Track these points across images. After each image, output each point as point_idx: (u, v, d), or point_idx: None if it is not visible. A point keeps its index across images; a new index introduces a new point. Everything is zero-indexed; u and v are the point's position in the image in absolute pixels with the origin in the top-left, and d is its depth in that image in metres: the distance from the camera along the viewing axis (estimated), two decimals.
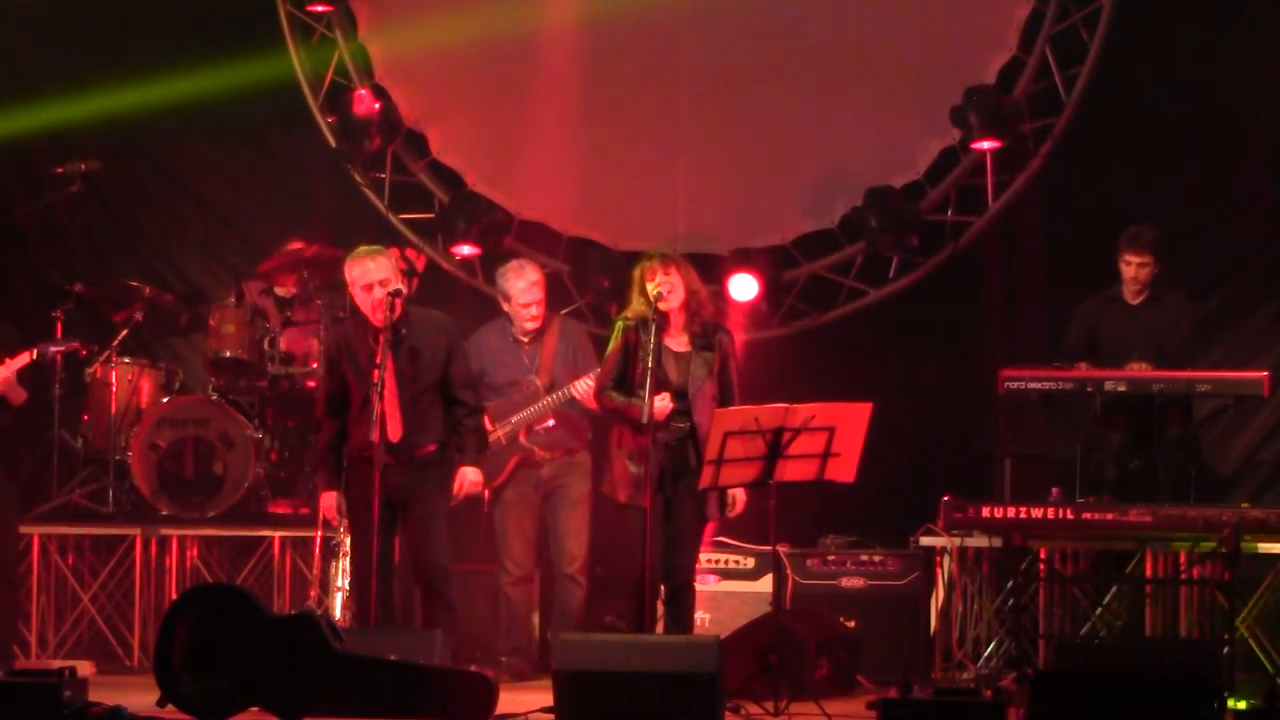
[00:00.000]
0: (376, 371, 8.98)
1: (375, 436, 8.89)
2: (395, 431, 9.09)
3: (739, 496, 9.30)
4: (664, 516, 9.12)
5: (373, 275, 9.14)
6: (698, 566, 9.67)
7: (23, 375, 10.25)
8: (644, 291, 9.17)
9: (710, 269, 11.50)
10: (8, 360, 10.07)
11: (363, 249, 9.35)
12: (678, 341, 9.26)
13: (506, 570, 10.29)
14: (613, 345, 9.30)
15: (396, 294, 9.10)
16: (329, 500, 9.31)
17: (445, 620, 9.12)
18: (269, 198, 11.98)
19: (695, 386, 9.19)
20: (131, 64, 11.75)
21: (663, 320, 9.18)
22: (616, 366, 9.24)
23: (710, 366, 9.23)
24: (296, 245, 11.32)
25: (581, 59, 11.75)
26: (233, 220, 12.14)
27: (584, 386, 9.98)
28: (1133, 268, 10.24)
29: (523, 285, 10.21)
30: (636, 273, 9.28)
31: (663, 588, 9.36)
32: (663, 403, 9.04)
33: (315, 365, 10.94)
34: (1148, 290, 10.28)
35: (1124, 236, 10.26)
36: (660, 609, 9.49)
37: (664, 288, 9.13)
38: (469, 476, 9.35)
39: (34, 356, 10.16)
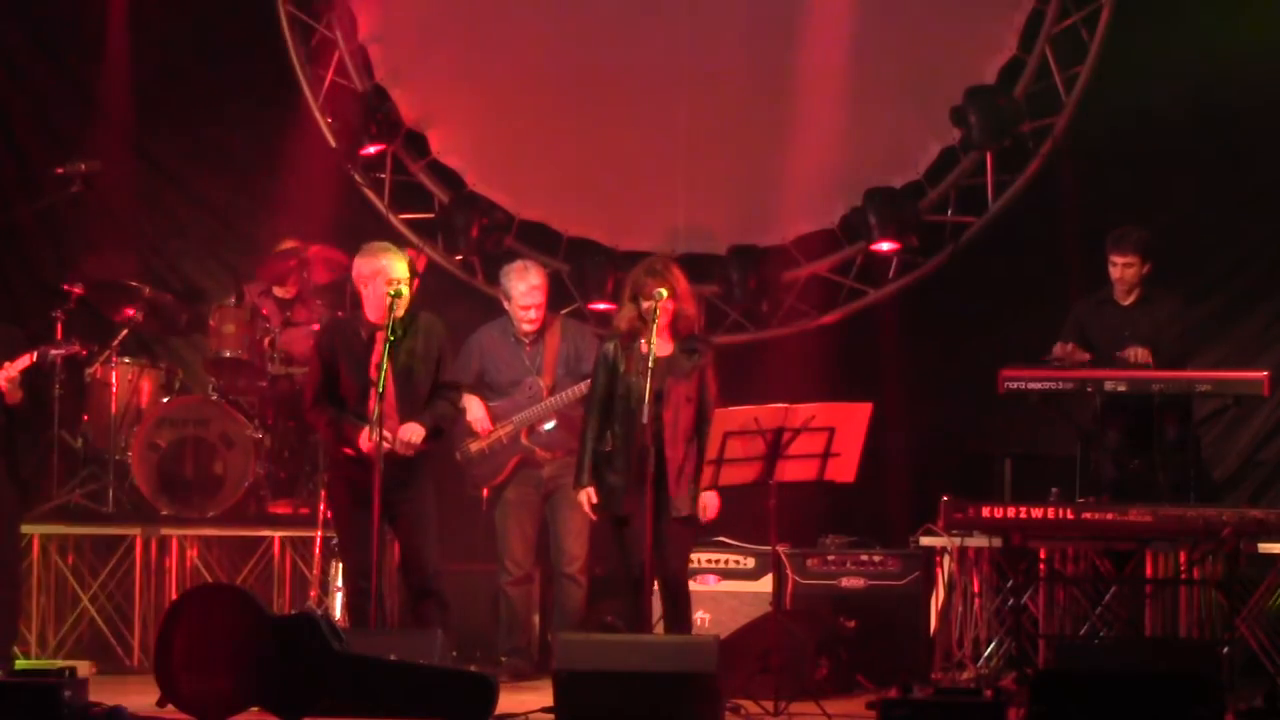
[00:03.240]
0: (374, 371, 9.00)
1: (373, 437, 8.93)
2: (392, 429, 9.12)
3: (710, 502, 9.20)
4: (654, 517, 9.10)
5: (391, 272, 9.16)
6: (698, 566, 9.66)
7: (23, 377, 10.23)
8: (637, 303, 9.17)
9: (710, 269, 11.52)
10: (7, 364, 10.05)
11: (379, 244, 9.41)
12: (659, 345, 9.24)
13: (506, 570, 10.28)
14: (595, 373, 9.33)
15: (397, 295, 9.12)
16: (365, 434, 9.08)
17: (440, 619, 9.13)
18: (269, 198, 11.97)
19: (671, 385, 9.15)
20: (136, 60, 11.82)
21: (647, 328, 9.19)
22: (601, 390, 9.24)
23: (687, 370, 9.21)
24: (291, 244, 11.33)
25: (582, 59, 11.75)
26: (233, 220, 12.13)
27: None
28: (1118, 269, 10.22)
29: (524, 287, 10.21)
30: (631, 284, 9.26)
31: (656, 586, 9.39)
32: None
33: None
34: (1138, 290, 10.26)
35: (1109, 238, 10.26)
36: (658, 609, 9.50)
37: (660, 307, 9.11)
38: (409, 428, 9.14)
39: (34, 359, 10.15)
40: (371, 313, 9.21)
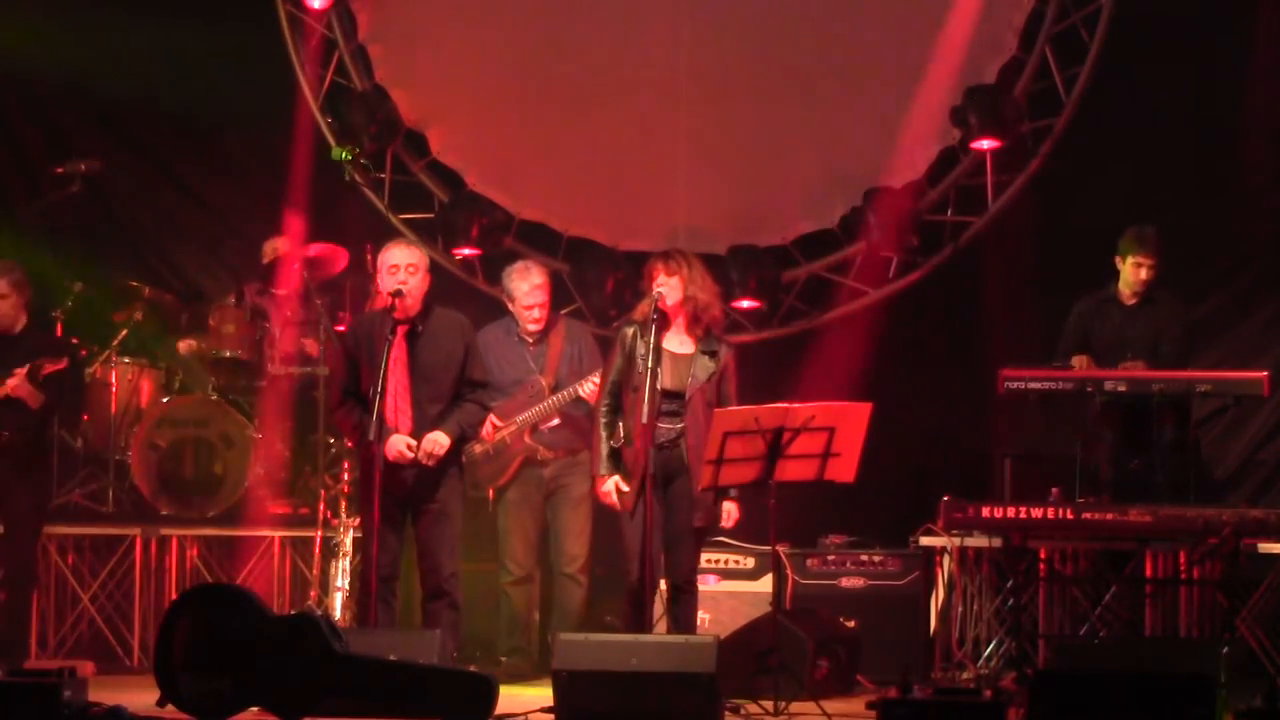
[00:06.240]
0: (393, 366, 9.00)
1: (372, 435, 8.92)
2: (405, 428, 9.10)
3: (732, 511, 9.26)
4: (661, 519, 9.09)
5: (392, 259, 9.18)
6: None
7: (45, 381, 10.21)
8: (648, 290, 9.18)
9: (710, 269, 11.50)
10: (18, 370, 10.04)
11: (397, 239, 9.55)
12: (680, 343, 9.22)
13: (507, 570, 10.28)
14: (612, 352, 9.31)
15: (398, 294, 9.11)
16: (397, 441, 9.09)
17: (448, 621, 9.12)
18: (269, 198, 11.96)
19: (692, 388, 9.16)
20: (129, 59, 11.81)
21: (664, 320, 9.17)
22: (615, 372, 9.22)
23: (710, 371, 9.19)
24: (277, 250, 11.32)
25: (582, 58, 11.75)
26: (233, 220, 12.14)
27: (590, 387, 9.97)
28: (1140, 269, 10.17)
29: (527, 287, 10.23)
30: (645, 273, 9.29)
31: (663, 587, 9.35)
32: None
33: (316, 364, 10.95)
34: (1144, 291, 10.26)
35: (1131, 237, 10.20)
36: (659, 610, 9.48)
37: (662, 287, 9.13)
38: (433, 439, 9.12)
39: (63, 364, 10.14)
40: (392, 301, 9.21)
